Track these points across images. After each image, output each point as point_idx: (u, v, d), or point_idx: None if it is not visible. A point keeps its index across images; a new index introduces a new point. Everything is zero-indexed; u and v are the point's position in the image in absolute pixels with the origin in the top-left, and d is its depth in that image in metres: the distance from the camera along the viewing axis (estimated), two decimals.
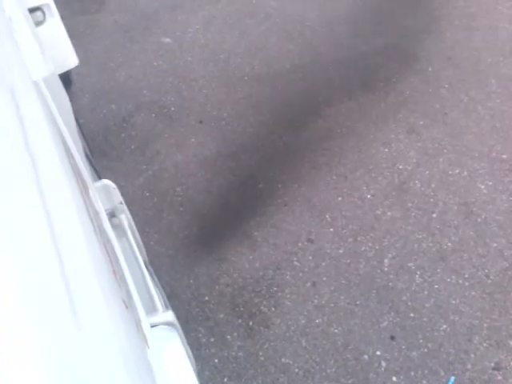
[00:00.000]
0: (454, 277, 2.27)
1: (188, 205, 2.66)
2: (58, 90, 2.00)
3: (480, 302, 2.18)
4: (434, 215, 2.50)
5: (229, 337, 2.14)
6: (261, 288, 2.30)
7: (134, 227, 1.67)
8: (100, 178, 1.99)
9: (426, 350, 2.05)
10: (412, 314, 2.16)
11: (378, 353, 2.06)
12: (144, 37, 3.83)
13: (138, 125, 3.14)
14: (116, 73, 3.54)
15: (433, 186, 2.63)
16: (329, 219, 2.54)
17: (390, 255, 2.37)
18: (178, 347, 1.18)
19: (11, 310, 0.64)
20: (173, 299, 2.23)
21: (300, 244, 2.45)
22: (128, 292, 1.16)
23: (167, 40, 3.79)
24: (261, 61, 3.50)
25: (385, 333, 2.12)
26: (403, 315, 2.17)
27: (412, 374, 2.00)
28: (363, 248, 2.41)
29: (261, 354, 2.09)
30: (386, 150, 2.83)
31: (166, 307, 1.47)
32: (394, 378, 2.00)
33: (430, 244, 2.39)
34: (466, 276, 2.26)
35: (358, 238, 2.45)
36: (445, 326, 2.11)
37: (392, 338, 2.10)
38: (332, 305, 2.22)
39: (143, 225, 2.55)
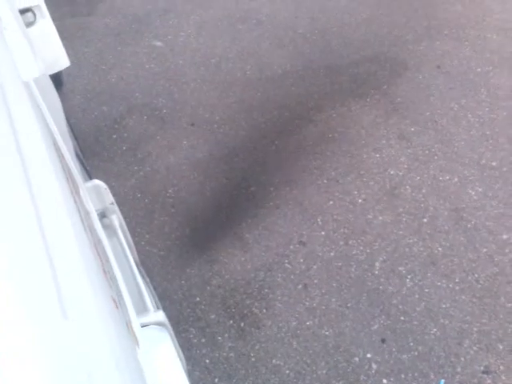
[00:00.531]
0: (444, 281, 2.28)
1: (180, 206, 2.65)
2: (49, 90, 1.99)
3: (470, 306, 2.19)
4: (425, 220, 2.52)
5: (220, 338, 2.13)
6: (252, 290, 2.30)
7: (126, 228, 1.66)
8: (91, 178, 1.98)
9: (416, 353, 2.06)
10: (403, 318, 2.17)
11: (369, 355, 2.07)
12: (135, 40, 3.83)
13: (129, 126, 3.13)
14: (107, 75, 3.54)
15: (423, 191, 2.65)
16: (320, 222, 2.54)
17: (380, 259, 2.38)
18: (168, 347, 1.17)
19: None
20: (164, 300, 2.22)
21: (291, 246, 2.45)
22: (118, 292, 1.15)
23: (159, 43, 3.79)
24: (252, 66, 3.51)
25: (375, 335, 2.12)
26: (394, 318, 2.17)
27: (402, 376, 2.00)
28: (354, 251, 2.42)
29: (252, 354, 2.08)
30: (377, 155, 2.85)
31: (157, 307, 1.46)
32: (385, 381, 2.01)
33: (421, 248, 2.41)
34: (457, 280, 2.28)
35: (350, 242, 2.46)
36: (435, 330, 2.12)
37: (383, 340, 2.11)
38: (323, 307, 2.22)
39: (135, 225, 2.54)
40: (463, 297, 2.23)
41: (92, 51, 3.77)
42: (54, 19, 2.57)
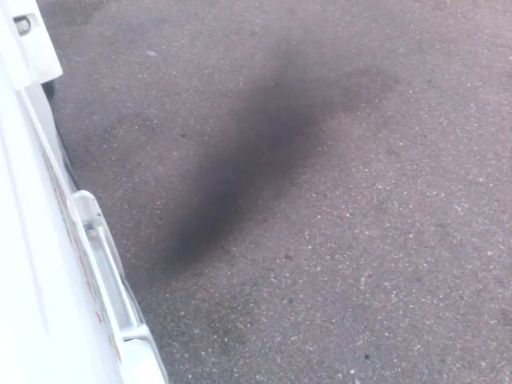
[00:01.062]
0: (428, 297, 2.29)
1: (167, 218, 2.66)
2: (40, 99, 1.99)
3: (454, 322, 2.20)
4: (411, 235, 2.53)
5: (203, 352, 2.13)
6: (237, 304, 2.30)
7: (111, 239, 1.66)
8: (79, 188, 1.99)
9: (399, 370, 2.07)
10: (387, 334, 2.18)
11: (352, 371, 2.07)
12: (129, 49, 3.84)
13: (119, 136, 3.14)
14: (100, 84, 3.55)
15: (410, 206, 2.66)
16: (307, 236, 2.55)
17: (366, 274, 2.39)
18: (150, 362, 1.18)
19: None
20: (148, 313, 2.22)
21: (278, 260, 2.46)
22: (102, 305, 1.16)
23: (152, 53, 3.80)
24: (245, 77, 3.53)
25: (359, 352, 2.13)
26: (378, 334, 2.18)
27: None
28: (340, 266, 2.43)
29: (235, 370, 2.08)
30: (366, 169, 2.86)
31: (141, 321, 1.46)
32: None
33: (406, 264, 2.42)
34: (441, 297, 2.29)
35: (336, 256, 2.46)
36: (419, 346, 2.13)
37: (366, 356, 2.11)
38: (308, 322, 2.23)
39: (121, 237, 2.54)
40: (447, 313, 2.23)
41: (85, 60, 3.78)
42: (48, 27, 2.57)
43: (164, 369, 1.23)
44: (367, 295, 2.32)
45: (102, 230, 1.66)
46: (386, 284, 2.35)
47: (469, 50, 3.59)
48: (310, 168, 2.89)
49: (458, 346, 2.13)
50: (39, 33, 2.58)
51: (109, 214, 2.58)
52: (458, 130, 3.04)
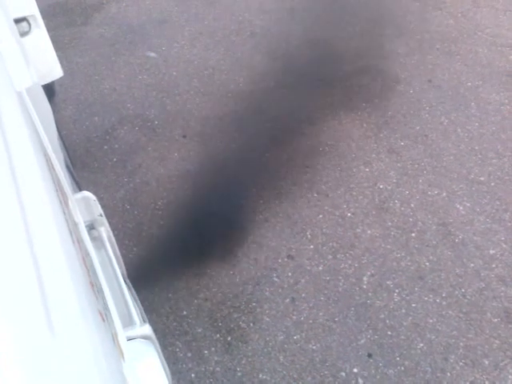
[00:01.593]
0: (431, 296, 2.29)
1: (169, 219, 2.66)
2: (41, 100, 2.00)
3: (456, 321, 2.20)
4: (413, 235, 2.53)
5: (206, 352, 2.13)
6: (240, 303, 2.30)
7: (114, 240, 1.66)
8: (80, 189, 1.99)
9: (402, 368, 2.06)
10: (389, 332, 2.18)
11: (356, 370, 2.07)
12: (129, 50, 3.85)
13: (120, 137, 3.14)
14: (100, 85, 3.55)
15: (412, 205, 2.66)
16: (309, 236, 2.55)
17: (368, 273, 2.39)
18: (154, 361, 1.17)
19: None
20: (151, 313, 2.22)
21: (280, 260, 2.46)
22: (105, 304, 1.16)
23: (152, 54, 3.81)
24: (245, 78, 3.53)
25: (362, 350, 2.13)
26: (381, 333, 2.18)
27: None
28: (342, 265, 2.43)
29: (238, 369, 2.08)
30: (367, 169, 2.86)
31: (144, 321, 1.46)
32: None
33: (409, 263, 2.42)
34: (444, 295, 2.29)
35: (338, 256, 2.46)
36: (422, 345, 2.13)
37: (369, 355, 2.11)
38: (311, 321, 2.23)
39: (123, 237, 2.54)
40: (450, 312, 2.23)
41: (85, 61, 3.78)
42: (48, 29, 2.57)
43: (167, 368, 1.23)
44: (370, 294, 2.31)
45: (104, 231, 1.66)
46: (388, 283, 2.35)
47: (469, 50, 3.60)
48: (311, 168, 2.89)
49: (461, 344, 2.13)
50: (40, 34, 2.58)
51: (110, 215, 2.58)
52: (459, 130, 3.04)
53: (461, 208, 2.63)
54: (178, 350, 2.13)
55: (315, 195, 2.74)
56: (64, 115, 3.28)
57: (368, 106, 3.25)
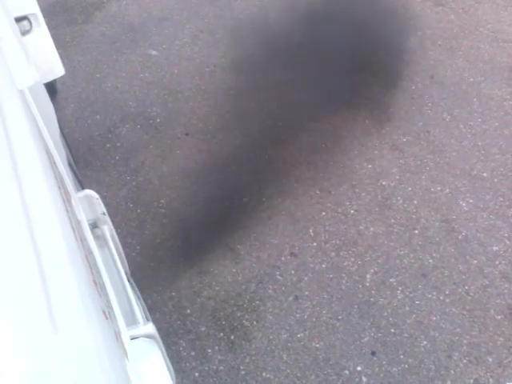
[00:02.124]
0: (434, 293, 2.29)
1: (172, 217, 2.66)
2: (43, 99, 1.99)
3: (460, 318, 2.20)
4: (416, 232, 2.53)
5: (210, 350, 2.13)
6: (243, 301, 2.30)
7: (117, 238, 1.66)
8: (83, 188, 1.98)
9: (406, 366, 2.06)
10: (393, 330, 2.18)
11: (359, 368, 2.07)
12: (131, 49, 3.84)
13: (123, 136, 3.13)
14: (102, 83, 3.54)
15: (415, 202, 2.66)
16: (312, 234, 2.55)
17: (372, 270, 2.39)
18: (157, 360, 1.18)
19: None
20: (154, 311, 2.22)
21: (283, 258, 2.45)
22: (108, 303, 1.16)
23: (154, 52, 3.80)
24: (247, 75, 3.52)
25: (366, 348, 2.13)
26: (384, 331, 2.18)
27: None
28: (346, 263, 2.42)
29: (242, 368, 2.08)
30: (370, 166, 2.85)
31: (147, 319, 1.46)
32: None
33: (412, 260, 2.41)
34: (447, 292, 2.29)
35: (341, 253, 2.46)
36: (425, 342, 2.13)
37: (373, 353, 2.11)
38: (314, 319, 2.23)
39: (126, 236, 2.54)
40: (453, 309, 2.23)
41: (87, 60, 3.77)
42: (49, 27, 2.57)
43: (171, 367, 1.23)
44: (373, 292, 2.31)
45: (107, 229, 1.66)
46: (391, 280, 2.35)
47: (471, 46, 3.59)
48: (314, 165, 2.88)
49: (465, 341, 2.13)
50: (41, 33, 2.58)
51: (113, 213, 2.58)
52: (462, 126, 3.03)
53: (464, 204, 2.62)
54: (181, 348, 2.13)
55: (318, 192, 2.74)
56: (66, 114, 3.28)
57: (370, 103, 3.24)
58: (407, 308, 2.25)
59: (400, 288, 2.32)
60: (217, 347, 2.14)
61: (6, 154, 0.92)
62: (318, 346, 2.14)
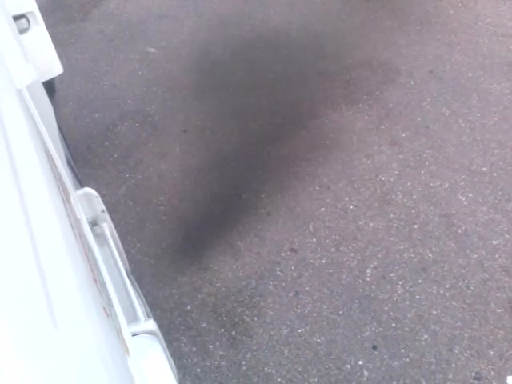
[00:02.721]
0: (435, 287, 2.29)
1: (171, 214, 2.66)
2: (41, 97, 1.99)
3: (461, 312, 2.20)
4: (416, 226, 2.53)
5: (211, 346, 2.14)
6: (243, 297, 2.30)
7: (116, 236, 1.66)
8: (82, 186, 1.98)
9: (407, 360, 2.06)
10: (394, 324, 2.18)
11: (361, 362, 2.07)
12: (129, 46, 3.84)
13: (121, 133, 3.13)
14: (100, 81, 3.54)
15: (414, 197, 2.66)
16: (312, 229, 2.55)
17: (372, 265, 2.39)
18: (159, 356, 1.18)
19: None
20: (155, 308, 2.22)
21: (283, 254, 2.45)
22: (109, 300, 1.16)
23: (152, 50, 3.80)
24: (246, 72, 3.52)
25: (367, 342, 2.13)
26: (385, 325, 2.18)
27: (394, 383, 2.01)
28: (346, 258, 2.42)
29: (243, 363, 2.08)
30: (369, 161, 2.85)
31: (148, 316, 1.46)
32: None
33: (412, 255, 2.41)
34: (447, 286, 2.29)
35: (341, 248, 2.46)
36: (426, 336, 2.13)
37: (374, 347, 2.11)
38: (315, 314, 2.23)
39: (125, 233, 2.54)
40: (454, 303, 2.23)
41: (85, 58, 3.77)
42: (47, 26, 2.56)
43: (173, 362, 1.23)
44: (373, 286, 2.31)
45: (107, 227, 1.66)
46: (391, 275, 2.35)
47: (469, 40, 3.59)
48: (313, 161, 2.88)
49: (466, 335, 2.13)
50: (39, 31, 2.58)
51: (113, 211, 2.58)
52: (461, 120, 3.03)
53: (463, 199, 2.62)
54: (182, 344, 2.13)
55: (317, 188, 2.74)
56: (65, 112, 3.28)
57: (369, 99, 3.24)
58: (408, 302, 2.25)
59: (400, 282, 2.32)
60: (218, 343, 2.14)
61: (4, 152, 0.92)
62: (319, 340, 2.14)
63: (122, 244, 1.67)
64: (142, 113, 3.27)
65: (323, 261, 2.42)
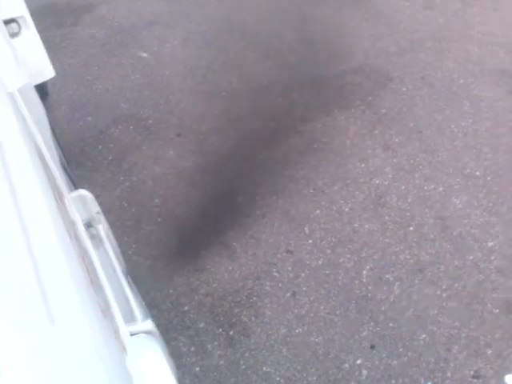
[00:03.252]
0: (431, 288, 2.29)
1: (166, 216, 2.64)
2: (34, 100, 1.99)
3: (458, 312, 2.21)
4: (411, 228, 2.54)
5: (209, 346, 2.12)
6: (240, 298, 2.29)
7: (112, 237, 1.65)
8: (77, 188, 1.97)
9: (406, 359, 2.07)
10: (391, 324, 2.18)
11: (359, 361, 2.07)
12: (121, 51, 3.83)
13: (115, 137, 3.12)
14: (93, 85, 3.53)
15: (409, 200, 2.67)
16: (307, 231, 2.55)
17: (368, 267, 2.39)
18: (157, 355, 1.17)
19: None
20: (152, 309, 2.20)
21: (279, 255, 2.45)
22: (106, 301, 1.15)
23: (144, 54, 3.80)
24: (239, 77, 3.53)
25: (365, 342, 2.13)
26: (383, 325, 2.18)
27: (393, 382, 2.00)
28: (342, 259, 2.43)
29: (242, 362, 2.07)
30: (363, 165, 2.87)
31: (146, 316, 1.45)
32: None
33: (408, 256, 2.42)
34: (444, 287, 2.30)
35: (337, 250, 2.46)
36: (424, 336, 2.13)
37: (372, 347, 2.11)
38: (312, 314, 2.22)
39: (121, 235, 2.52)
40: (451, 303, 2.24)
41: (77, 62, 3.76)
42: (39, 30, 2.57)
43: (172, 362, 1.22)
44: (370, 287, 2.32)
45: (103, 228, 1.65)
46: (388, 276, 2.35)
47: (460, 48, 3.64)
48: (307, 164, 2.89)
49: (463, 335, 2.13)
50: (30, 35, 2.57)
51: (108, 213, 2.54)
52: (453, 126, 3.06)
53: (457, 202, 2.64)
54: (181, 344, 2.11)
55: (311, 191, 2.75)
56: (58, 115, 3.26)
57: (362, 104, 3.26)
58: (404, 303, 2.25)
59: (397, 283, 2.32)
60: (216, 342, 2.13)
61: None
62: (317, 340, 2.14)
63: (118, 245, 1.66)
64: (136, 116, 3.26)
65: (319, 262, 2.42)
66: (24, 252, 0.76)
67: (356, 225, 2.58)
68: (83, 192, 1.60)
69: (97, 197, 1.59)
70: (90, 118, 3.28)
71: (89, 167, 2.94)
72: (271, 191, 2.76)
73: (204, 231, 2.57)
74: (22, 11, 2.49)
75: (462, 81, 3.37)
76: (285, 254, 2.45)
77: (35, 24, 2.53)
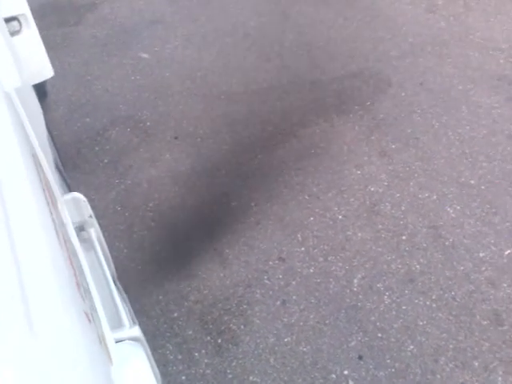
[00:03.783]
0: (421, 298, 2.29)
1: (160, 220, 2.66)
2: (31, 100, 1.99)
3: (446, 323, 2.21)
4: (404, 237, 2.54)
5: (197, 354, 2.13)
6: (230, 305, 2.30)
7: (104, 241, 1.66)
8: (70, 190, 1.98)
9: (393, 370, 2.07)
10: (380, 334, 2.18)
11: (346, 372, 2.07)
12: (122, 51, 3.84)
13: (112, 139, 3.13)
14: (92, 86, 3.54)
15: (403, 208, 2.67)
16: (300, 238, 2.55)
17: (359, 275, 2.39)
18: (142, 363, 1.17)
19: None
20: (141, 315, 2.22)
21: (271, 262, 2.46)
22: (92, 306, 1.15)
23: (145, 55, 3.80)
24: (238, 80, 3.53)
25: (353, 352, 2.13)
26: (371, 335, 2.18)
27: None
28: (333, 268, 2.43)
29: (229, 371, 2.08)
30: (359, 172, 2.86)
31: (133, 322, 1.45)
32: None
33: (399, 266, 2.42)
34: (434, 298, 2.30)
35: (329, 258, 2.47)
36: (412, 347, 2.14)
37: (360, 357, 2.12)
38: (301, 323, 2.23)
39: (113, 239, 2.54)
40: (440, 314, 2.24)
41: (78, 62, 3.77)
42: (40, 29, 2.56)
43: (157, 370, 1.23)
44: (360, 296, 2.32)
45: (94, 232, 1.66)
46: (378, 285, 2.36)
47: (460, 53, 3.62)
48: (303, 170, 2.89)
49: (451, 346, 2.14)
50: (30, 34, 2.57)
51: (101, 216, 2.58)
52: (450, 133, 3.05)
53: (451, 211, 2.64)
54: (168, 352, 2.13)
55: (306, 197, 2.75)
56: (55, 116, 3.27)
57: (360, 109, 3.26)
58: (394, 313, 2.25)
59: (387, 293, 2.32)
60: (204, 351, 2.14)
61: None
62: (305, 350, 2.14)
63: (110, 250, 1.67)
64: (134, 118, 3.27)
65: (311, 270, 2.42)
66: (7, 254, 0.76)
67: (349, 233, 2.58)
68: (77, 195, 1.61)
69: (91, 200, 1.61)
70: (88, 119, 3.29)
71: (85, 169, 2.96)
72: (266, 197, 2.76)
73: (197, 237, 2.58)
74: (23, 9, 2.49)
75: (460, 87, 3.35)
76: (277, 262, 2.46)
77: (36, 22, 2.53)
